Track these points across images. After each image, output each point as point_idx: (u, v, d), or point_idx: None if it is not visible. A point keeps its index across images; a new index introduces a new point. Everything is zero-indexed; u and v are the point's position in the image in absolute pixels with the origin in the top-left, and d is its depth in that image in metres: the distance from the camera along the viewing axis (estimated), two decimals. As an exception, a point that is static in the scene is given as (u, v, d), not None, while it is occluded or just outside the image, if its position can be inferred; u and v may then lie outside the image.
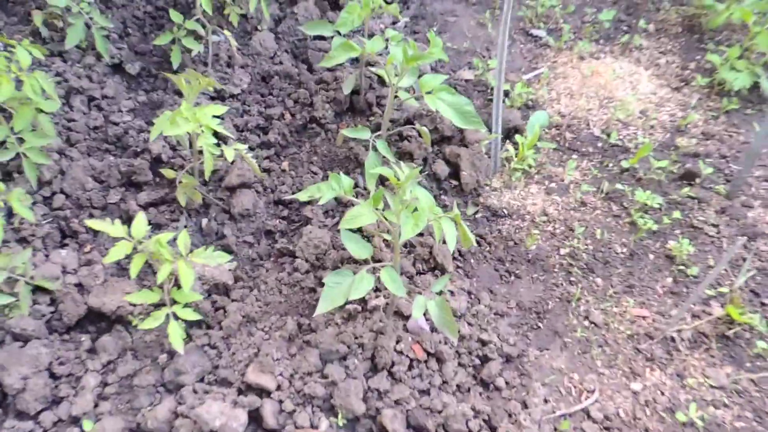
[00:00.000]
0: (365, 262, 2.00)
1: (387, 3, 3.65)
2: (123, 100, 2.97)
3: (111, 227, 1.94)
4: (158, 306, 2.01)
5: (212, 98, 3.01)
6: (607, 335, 2.29)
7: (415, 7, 3.91)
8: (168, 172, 2.42)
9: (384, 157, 2.52)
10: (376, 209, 1.90)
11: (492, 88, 3.31)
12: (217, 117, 2.43)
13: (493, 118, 2.75)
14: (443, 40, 3.72)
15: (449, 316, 1.94)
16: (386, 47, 2.76)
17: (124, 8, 3.43)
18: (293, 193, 2.67)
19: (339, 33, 2.83)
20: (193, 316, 1.97)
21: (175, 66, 3.06)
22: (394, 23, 3.77)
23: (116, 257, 1.89)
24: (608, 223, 2.71)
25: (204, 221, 2.50)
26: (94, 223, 1.93)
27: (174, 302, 1.98)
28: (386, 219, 1.91)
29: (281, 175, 2.75)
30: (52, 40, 3.14)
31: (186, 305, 1.99)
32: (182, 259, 1.92)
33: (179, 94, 3.05)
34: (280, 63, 3.26)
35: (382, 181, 2.59)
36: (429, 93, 2.38)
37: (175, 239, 2.09)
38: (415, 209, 1.88)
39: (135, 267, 1.90)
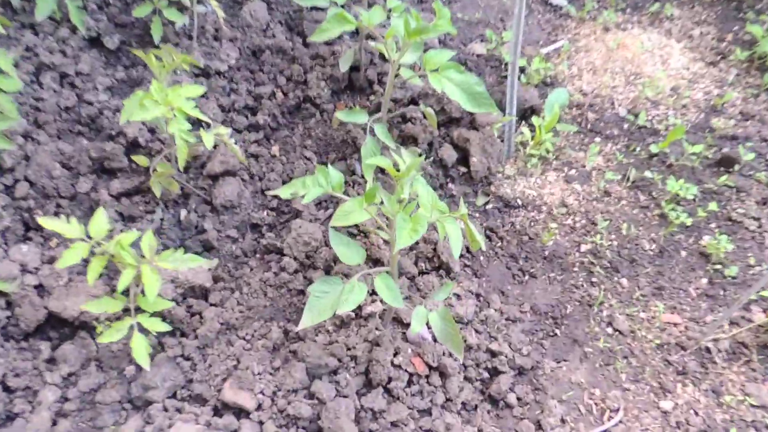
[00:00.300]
0: (358, 266, 1.74)
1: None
2: (99, 77, 2.70)
3: (65, 226, 1.69)
4: (126, 311, 1.78)
5: (197, 75, 2.73)
6: (633, 345, 2.03)
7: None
8: (141, 159, 2.17)
9: (384, 143, 2.24)
10: (373, 204, 1.63)
11: (506, 64, 2.99)
12: (194, 99, 2.15)
13: (507, 97, 2.45)
14: (453, 10, 3.39)
15: (454, 329, 1.68)
16: (388, 18, 2.46)
17: (105, -26, 3.14)
18: (284, 182, 2.40)
19: (336, 3, 2.53)
20: (162, 327, 1.73)
21: (156, 40, 2.78)
22: (399, -8, 3.43)
23: (71, 261, 1.65)
24: (635, 216, 2.41)
25: (183, 213, 2.25)
26: (45, 221, 1.69)
27: (140, 310, 1.75)
28: (384, 214, 1.65)
29: (271, 161, 2.48)
30: (23, 10, 2.87)
31: (154, 314, 1.75)
32: (147, 263, 1.67)
33: (162, 70, 2.77)
34: (273, 36, 2.97)
35: (383, 168, 2.31)
36: (434, 71, 2.09)
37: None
38: (418, 206, 1.61)
39: (93, 272, 1.66)
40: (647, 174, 2.54)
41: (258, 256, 2.17)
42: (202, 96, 2.65)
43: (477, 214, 2.42)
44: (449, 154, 2.50)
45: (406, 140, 2.54)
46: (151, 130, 2.48)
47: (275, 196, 2.38)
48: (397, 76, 2.25)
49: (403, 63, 2.26)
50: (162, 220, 2.21)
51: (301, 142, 2.58)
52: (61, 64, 2.65)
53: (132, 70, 2.78)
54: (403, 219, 1.53)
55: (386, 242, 2.13)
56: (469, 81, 2.08)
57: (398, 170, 1.72)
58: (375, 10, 2.41)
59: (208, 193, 2.30)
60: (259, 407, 1.71)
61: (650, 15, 3.38)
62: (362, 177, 2.38)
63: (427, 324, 1.90)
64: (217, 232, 2.20)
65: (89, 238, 1.71)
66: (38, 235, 2.16)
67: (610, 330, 2.06)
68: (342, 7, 2.52)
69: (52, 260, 2.06)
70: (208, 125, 2.47)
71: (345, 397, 1.74)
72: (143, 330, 1.73)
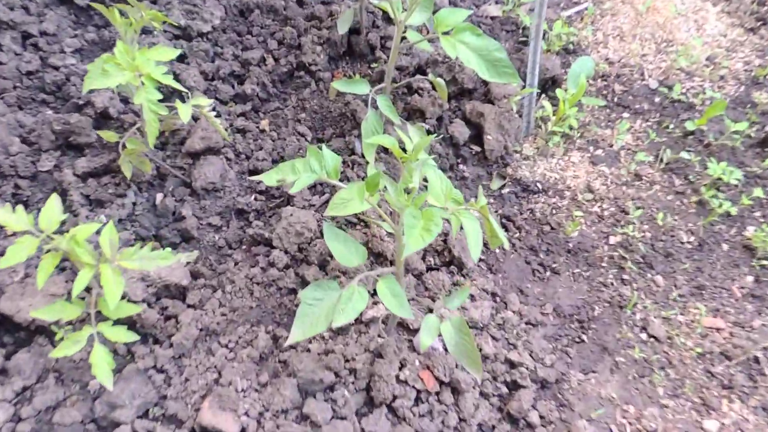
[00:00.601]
0: (357, 268, 1.46)
1: None
2: (67, 38, 2.37)
3: (9, 216, 1.41)
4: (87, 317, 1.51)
5: (176, 38, 2.40)
6: (670, 353, 1.78)
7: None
8: (108, 135, 1.87)
9: (387, 117, 1.94)
10: (376, 192, 1.35)
11: (524, 28, 2.66)
12: (168, 63, 1.84)
13: (528, 66, 2.14)
14: (464, -34, 3.03)
15: (470, 342, 1.42)
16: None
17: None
18: (274, 161, 2.11)
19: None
20: (128, 337, 1.47)
21: (130, -4, 2.44)
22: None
23: (16, 260, 1.37)
24: (670, 203, 2.14)
25: (158, 197, 1.96)
26: (-13, 212, 1.40)
27: (101, 317, 1.48)
28: (388, 202, 1.37)
29: (259, 136, 2.18)
30: (-18, -37, 2.51)
31: (119, 321, 1.49)
32: (107, 262, 1.39)
33: (141, 31, 2.44)
34: (263, -7, 2.62)
35: (387, 148, 2.02)
36: (446, 34, 1.77)
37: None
38: (426, 201, 1.33)
39: (43, 273, 1.38)
40: (683, 155, 2.25)
41: (244, 247, 1.90)
42: (182, 61, 2.33)
43: (492, 200, 2.14)
44: (461, 130, 2.20)
45: (413, 114, 2.24)
46: (124, 100, 2.18)
47: (264, 178, 2.09)
48: (403, 39, 1.93)
49: (410, 24, 1.94)
50: (134, 204, 1.93)
51: (294, 115, 2.27)
52: (23, 22, 2.32)
53: (104, 30, 2.45)
54: (412, 216, 1.25)
55: (390, 234, 1.85)
56: (487, 46, 1.77)
57: (404, 151, 1.44)
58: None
59: (187, 174, 2.01)
60: (244, 431, 1.46)
61: (683, -26, 3.02)
62: (362, 156, 2.09)
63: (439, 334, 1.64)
64: (197, 220, 1.92)
65: (39, 231, 1.43)
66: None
67: (644, 336, 1.81)
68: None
69: (4, 252, 1.78)
70: (187, 95, 2.17)
71: (343, 419, 1.49)
72: (105, 341, 1.46)
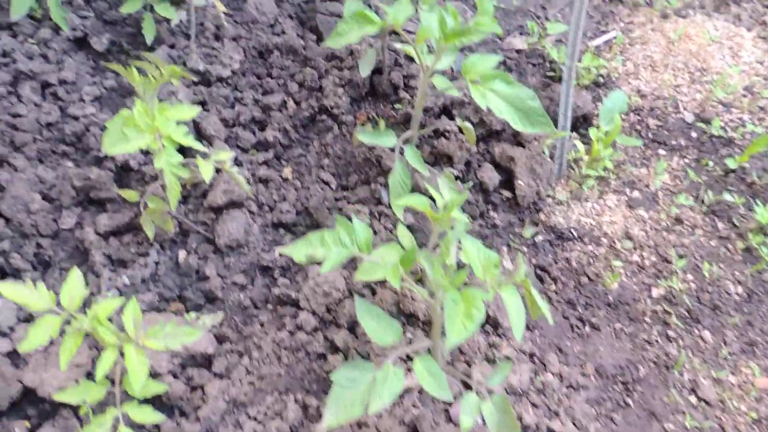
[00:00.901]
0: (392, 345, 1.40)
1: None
2: (86, 86, 2.36)
3: (30, 294, 1.37)
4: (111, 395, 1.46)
5: (195, 83, 2.37)
6: (723, 418, 1.68)
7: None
8: (129, 194, 1.82)
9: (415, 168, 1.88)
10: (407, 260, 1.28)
11: (551, 62, 2.58)
12: (185, 122, 1.80)
13: (560, 110, 2.06)
14: (487, -4, 2.96)
15: (512, 420, 1.34)
16: (416, 11, 2.07)
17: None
18: (298, 212, 2.05)
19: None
20: (154, 418, 1.41)
21: (149, 41, 2.42)
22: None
23: (38, 342, 1.33)
24: (714, 250, 2.04)
25: (181, 254, 1.91)
26: (5, 288, 1.36)
27: (127, 396, 1.42)
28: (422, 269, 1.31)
29: (282, 186, 2.13)
30: (0, 7, 2.51)
31: (144, 400, 1.43)
32: (130, 343, 1.34)
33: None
34: (282, 33, 2.58)
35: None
36: (476, 82, 1.70)
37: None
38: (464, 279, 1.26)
39: (66, 354, 1.33)
40: (725, 196, 2.15)
41: (270, 307, 1.84)
42: (203, 107, 2.29)
43: (525, 248, 2.06)
44: (490, 175, 2.12)
45: (440, 158, 2.17)
46: (145, 151, 2.14)
47: (290, 230, 2.04)
48: (430, 83, 1.87)
49: (437, 69, 1.88)
50: (157, 264, 1.88)
51: (317, 161, 2.22)
52: (42, 71, 2.30)
53: (123, 77, 2.42)
54: (453, 301, 1.18)
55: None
56: (519, 94, 1.70)
57: (436, 210, 1.37)
58: (401, 3, 2.02)
59: (210, 230, 1.96)
60: None
61: (715, -2, 2.93)
62: (389, 206, 2.02)
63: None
64: (221, 279, 1.86)
65: (62, 309, 1.38)
66: (16, 282, 1.85)
67: (694, 399, 1.71)
68: None
69: (29, 318, 1.74)
70: (211, 143, 2.13)
71: (378, 501, 1.42)
72: (131, 423, 1.41)
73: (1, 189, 1.98)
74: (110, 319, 1.41)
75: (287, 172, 2.17)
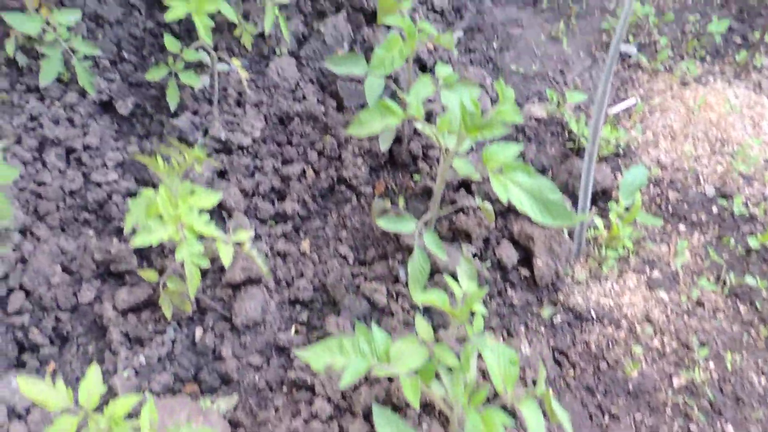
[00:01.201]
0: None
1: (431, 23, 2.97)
2: (109, 152, 2.41)
3: (48, 392, 1.38)
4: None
5: (217, 151, 2.41)
6: None
7: (471, 16, 3.19)
8: (148, 274, 1.85)
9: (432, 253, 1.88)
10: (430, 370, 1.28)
11: (570, 131, 2.59)
12: (208, 210, 1.82)
13: (581, 189, 2.06)
14: (505, 60, 3.01)
15: None
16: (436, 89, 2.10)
17: (119, 25, 2.85)
18: (315, 289, 2.06)
19: (375, 74, 2.17)
20: None
21: (172, 107, 2.48)
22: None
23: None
24: (736, 336, 2.00)
25: (198, 332, 1.92)
26: (24, 383, 1.37)
27: (141, 495, 1.42)
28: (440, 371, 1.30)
29: (300, 260, 2.14)
30: (30, 70, 2.59)
31: (157, 499, 1.43)
32: (148, 447, 1.34)
33: (180, 140, 2.46)
34: (303, 98, 2.63)
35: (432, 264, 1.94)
36: (497, 171, 1.72)
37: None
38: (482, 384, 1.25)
39: (83, 455, 1.34)
40: (748, 279, 2.12)
41: (285, 390, 1.83)
42: (223, 177, 2.33)
43: (542, 329, 2.04)
44: (509, 253, 2.12)
45: (458, 235, 2.18)
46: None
47: (307, 306, 2.04)
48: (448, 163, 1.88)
49: (458, 152, 1.90)
50: (173, 342, 1.89)
51: (335, 234, 2.23)
52: (67, 137, 2.36)
53: (146, 141, 2.48)
54: (473, 425, 1.17)
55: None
56: (540, 186, 1.71)
57: (454, 307, 1.37)
58: (422, 83, 2.07)
59: (227, 307, 1.97)
60: None
61: (735, 65, 2.93)
62: (406, 285, 2.02)
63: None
64: (237, 360, 1.87)
65: (78, 405, 1.39)
66: (33, 357, 1.88)
67: (718, 503, 1.67)
68: (388, 78, 2.17)
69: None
70: (230, 214, 2.15)
71: None
72: None
73: (24, 261, 2.02)
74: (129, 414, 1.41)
75: (305, 245, 2.18)
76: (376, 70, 2.06)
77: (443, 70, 2.14)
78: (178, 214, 1.63)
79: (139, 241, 1.58)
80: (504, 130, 1.67)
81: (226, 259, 1.73)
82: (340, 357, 1.33)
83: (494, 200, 2.21)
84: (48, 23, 2.43)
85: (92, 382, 1.43)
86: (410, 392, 1.25)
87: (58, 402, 1.39)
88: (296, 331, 1.96)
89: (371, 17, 2.98)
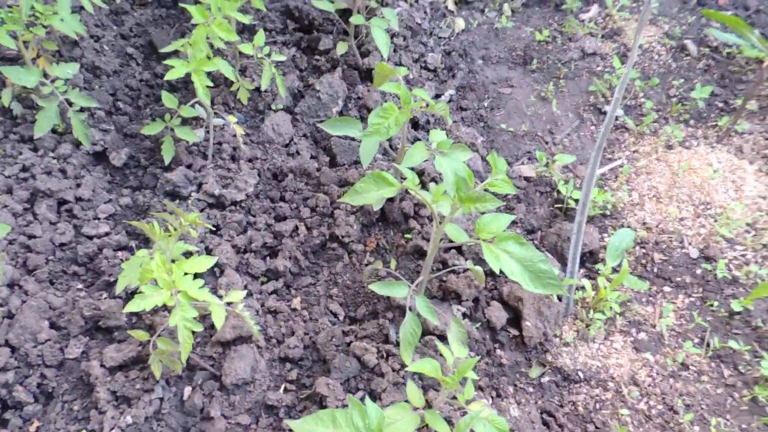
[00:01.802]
0: None
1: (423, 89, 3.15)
2: (101, 204, 2.51)
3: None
4: None
5: (210, 206, 2.51)
6: None
7: (463, 75, 3.39)
8: (139, 334, 1.91)
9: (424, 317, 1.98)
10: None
11: (559, 191, 2.74)
12: (200, 275, 1.91)
13: (569, 258, 2.18)
14: (496, 119, 3.18)
15: None
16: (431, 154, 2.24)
17: (116, 76, 3.00)
18: (305, 347, 2.14)
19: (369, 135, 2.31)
20: None
21: (167, 161, 2.60)
22: (437, 96, 3.24)
23: None
24: (720, 399, 2.10)
25: (186, 391, 1.98)
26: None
27: None
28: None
29: (290, 317, 2.22)
30: (25, 119, 2.71)
31: None
32: None
33: (170, 195, 2.57)
34: (297, 154, 2.76)
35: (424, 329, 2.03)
36: (489, 242, 1.83)
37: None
38: None
39: None
40: (731, 343, 2.24)
41: (273, 452, 1.88)
42: (215, 232, 2.42)
43: (531, 389, 2.12)
44: (498, 315, 2.22)
45: (448, 294, 2.28)
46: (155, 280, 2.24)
47: (297, 364, 2.11)
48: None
49: (452, 218, 2.01)
50: (161, 400, 1.94)
51: (326, 291, 2.33)
52: (59, 189, 2.45)
53: (138, 193, 2.58)
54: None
55: None
56: (531, 257, 1.83)
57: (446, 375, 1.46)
58: (416, 149, 2.20)
59: (216, 365, 2.03)
60: None
61: (717, 129, 3.13)
62: (396, 345, 2.11)
63: None
64: (226, 420, 1.92)
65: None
66: (16, 415, 1.91)
67: None
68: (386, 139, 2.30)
69: None
70: (218, 275, 2.23)
71: None
72: None
73: (11, 316, 2.07)
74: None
75: (296, 302, 2.27)
76: (373, 137, 2.20)
77: (437, 136, 2.28)
78: (172, 279, 1.72)
79: (133, 306, 1.65)
80: (496, 203, 1.79)
81: (218, 321, 1.81)
82: (333, 428, 1.41)
83: (485, 262, 2.32)
84: (45, 76, 2.56)
85: (84, 444, 1.48)
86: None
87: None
88: (285, 389, 2.03)
89: (366, 75, 3.16)
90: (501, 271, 1.99)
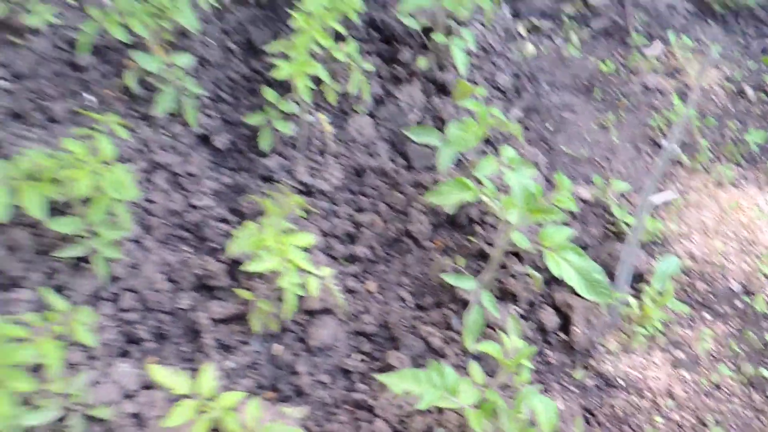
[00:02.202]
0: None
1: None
2: (206, 180, 2.85)
3: (174, 379, 1.76)
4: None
5: (300, 192, 2.84)
6: None
7: (529, 97, 3.67)
8: (244, 293, 2.24)
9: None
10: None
11: (612, 215, 2.99)
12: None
13: (621, 272, 2.44)
14: (557, 141, 3.45)
15: None
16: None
17: (219, 68, 3.36)
18: (379, 325, 2.44)
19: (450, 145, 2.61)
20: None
21: (264, 148, 2.93)
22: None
23: (178, 422, 1.70)
24: (748, 421, 2.33)
25: (277, 349, 2.30)
26: (156, 371, 1.76)
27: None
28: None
29: (367, 298, 2.53)
30: (142, 99, 3.08)
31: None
32: (253, 434, 1.71)
33: (265, 179, 2.91)
34: (377, 155, 3.07)
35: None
36: (551, 249, 2.11)
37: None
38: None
39: (199, 433, 1.70)
40: (763, 371, 2.46)
41: (348, 408, 2.19)
42: (304, 216, 2.75)
43: (574, 389, 2.38)
44: (550, 318, 2.49)
45: (505, 295, 2.56)
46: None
47: (370, 339, 2.41)
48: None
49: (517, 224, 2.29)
50: (257, 353, 2.27)
51: (398, 279, 2.63)
52: (173, 163, 2.80)
53: (237, 175, 2.92)
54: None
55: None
56: (587, 267, 2.10)
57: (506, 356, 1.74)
58: (488, 161, 2.48)
59: (304, 330, 2.35)
60: None
61: (767, 173, 3.34)
62: (458, 332, 2.39)
63: None
64: (310, 376, 2.23)
65: (197, 395, 1.76)
66: (137, 349, 2.25)
67: None
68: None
69: (149, 386, 2.12)
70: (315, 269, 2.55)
71: None
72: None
73: (135, 266, 2.43)
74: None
75: (371, 285, 2.57)
76: (452, 147, 2.50)
77: (508, 152, 2.56)
78: (283, 248, 2.05)
79: (252, 267, 1.99)
80: (561, 216, 2.07)
81: (313, 291, 2.13)
82: (416, 385, 1.70)
83: (542, 268, 2.59)
84: (165, 63, 2.93)
85: (208, 377, 1.81)
86: (476, 423, 1.61)
87: (182, 387, 1.76)
88: (361, 360, 2.33)
89: (441, 88, 3.46)
90: (559, 278, 2.26)
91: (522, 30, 4.16)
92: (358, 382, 2.27)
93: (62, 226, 2.24)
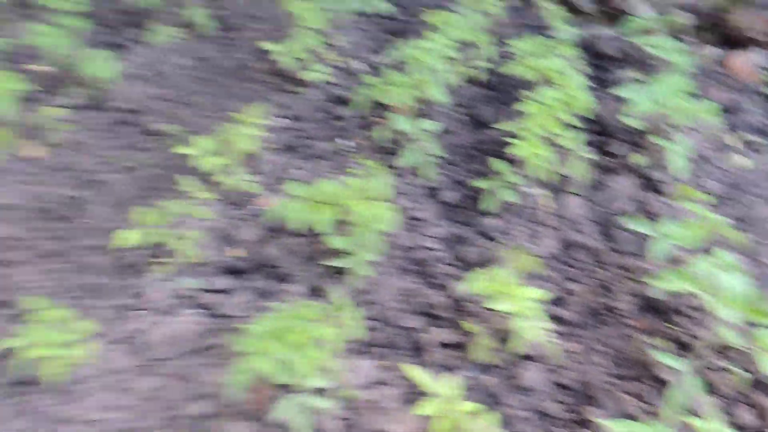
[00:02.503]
0: None
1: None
2: (432, 226, 3.39)
3: (426, 379, 2.19)
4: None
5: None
6: None
7: (740, 207, 3.79)
8: (469, 326, 2.66)
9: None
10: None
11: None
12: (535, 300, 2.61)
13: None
14: (765, 253, 3.51)
15: None
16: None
17: (452, 135, 3.97)
18: (578, 381, 2.71)
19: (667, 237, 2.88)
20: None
21: (486, 209, 3.41)
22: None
23: (426, 412, 2.13)
24: None
25: (487, 379, 2.67)
26: (410, 370, 2.21)
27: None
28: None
29: (568, 356, 2.82)
30: (385, 151, 3.77)
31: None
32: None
33: (483, 235, 3.37)
34: (586, 233, 3.41)
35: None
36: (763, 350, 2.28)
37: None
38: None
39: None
40: None
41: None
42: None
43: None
44: (748, 418, 2.58)
45: (709, 388, 2.70)
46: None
47: (569, 392, 2.69)
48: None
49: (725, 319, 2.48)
50: (471, 378, 2.66)
51: (598, 346, 2.89)
52: (409, 207, 3.39)
53: (460, 227, 3.43)
54: None
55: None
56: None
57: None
58: (703, 262, 2.69)
59: (513, 370, 2.70)
60: None
61: None
62: (653, 405, 2.58)
63: None
64: (512, 409, 2.57)
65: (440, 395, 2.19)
66: (371, 351, 2.75)
67: None
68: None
69: (383, 382, 2.59)
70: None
71: None
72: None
73: (376, 284, 2.98)
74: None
75: (574, 346, 2.87)
76: (668, 240, 2.77)
77: (725, 257, 2.76)
78: (517, 296, 2.45)
79: (495, 305, 2.41)
80: (774, 319, 2.25)
81: (536, 337, 2.49)
82: (640, 428, 1.97)
83: (747, 370, 2.71)
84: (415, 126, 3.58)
85: (451, 384, 2.23)
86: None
87: (433, 388, 2.20)
88: (560, 407, 2.62)
89: (651, 185, 3.74)
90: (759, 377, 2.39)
91: (737, 143, 4.30)
92: (554, 427, 2.55)
93: (337, 242, 2.87)
